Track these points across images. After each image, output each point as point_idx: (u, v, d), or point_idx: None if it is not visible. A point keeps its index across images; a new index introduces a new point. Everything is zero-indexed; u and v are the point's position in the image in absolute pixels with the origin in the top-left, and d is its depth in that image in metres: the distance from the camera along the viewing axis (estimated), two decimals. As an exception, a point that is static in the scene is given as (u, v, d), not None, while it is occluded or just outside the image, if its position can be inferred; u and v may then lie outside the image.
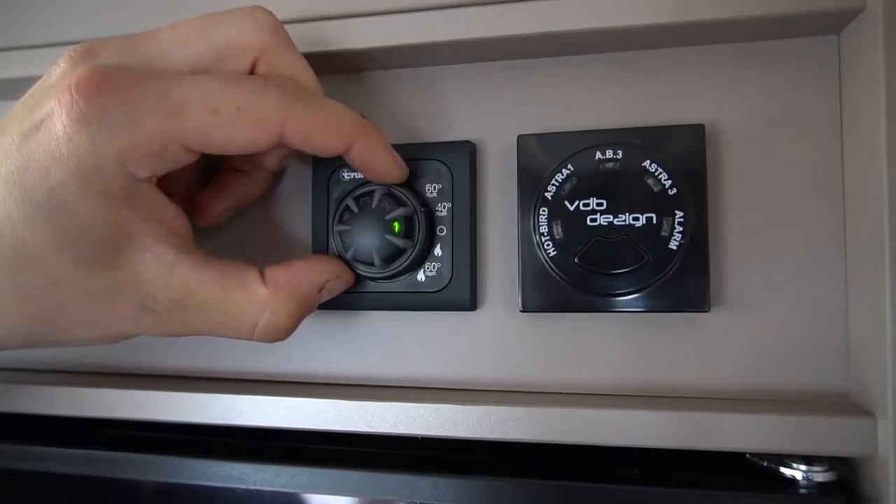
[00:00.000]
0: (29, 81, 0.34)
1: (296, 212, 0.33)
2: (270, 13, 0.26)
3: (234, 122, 0.24)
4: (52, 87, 0.23)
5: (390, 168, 0.28)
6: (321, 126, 0.26)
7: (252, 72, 0.26)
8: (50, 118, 0.23)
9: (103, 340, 0.26)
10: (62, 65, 0.24)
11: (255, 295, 0.26)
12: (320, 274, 0.28)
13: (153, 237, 0.25)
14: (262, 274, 0.27)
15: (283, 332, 0.27)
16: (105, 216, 0.23)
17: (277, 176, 0.33)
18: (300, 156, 0.32)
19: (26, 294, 0.24)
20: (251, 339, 0.27)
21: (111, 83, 0.22)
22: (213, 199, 0.31)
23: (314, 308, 0.29)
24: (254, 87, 0.25)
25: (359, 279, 0.31)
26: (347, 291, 0.31)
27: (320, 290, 0.28)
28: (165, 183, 0.26)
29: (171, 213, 0.26)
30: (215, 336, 0.27)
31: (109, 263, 0.24)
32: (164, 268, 0.25)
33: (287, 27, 0.27)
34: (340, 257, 0.30)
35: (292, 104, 0.25)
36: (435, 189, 0.31)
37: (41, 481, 0.34)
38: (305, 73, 0.27)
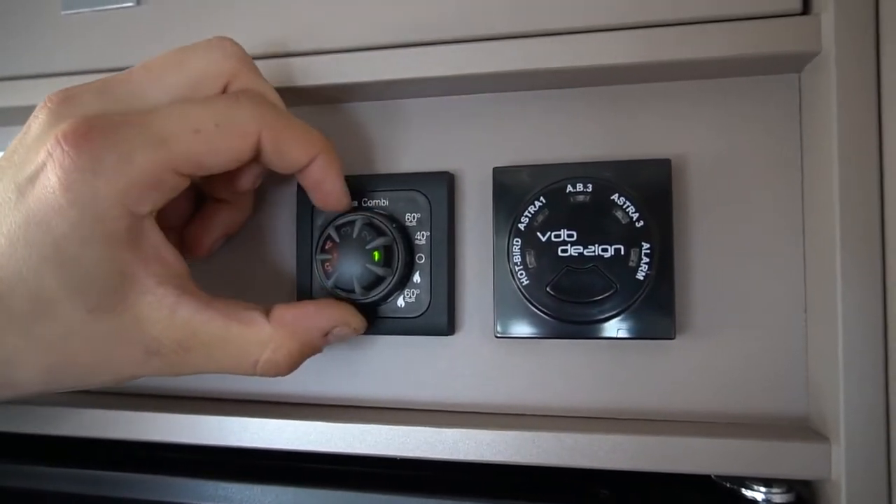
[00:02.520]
0: (16, 112, 0.35)
1: (281, 241, 0.34)
2: (235, 42, 0.28)
3: (216, 138, 0.25)
4: (37, 141, 0.24)
5: (338, 190, 0.29)
6: (291, 135, 0.27)
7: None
8: (43, 172, 0.23)
9: (114, 383, 0.27)
10: (41, 116, 0.25)
11: (258, 332, 0.27)
12: (328, 319, 0.29)
13: (154, 279, 0.25)
14: (267, 313, 0.28)
15: (282, 369, 0.28)
16: (109, 259, 0.24)
17: (262, 203, 0.34)
18: (285, 182, 0.33)
19: (42, 346, 0.24)
20: (253, 375, 0.27)
21: (97, 130, 0.23)
22: (203, 231, 0.32)
23: (317, 350, 0.29)
24: (228, 103, 0.26)
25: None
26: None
27: (326, 334, 0.29)
28: (160, 220, 0.27)
29: (170, 254, 0.26)
30: (219, 373, 0.27)
31: (114, 308, 0.25)
32: (166, 309, 0.25)
33: (262, 62, 0.29)
34: (322, 286, 0.31)
35: (265, 114, 0.26)
36: (414, 218, 0.32)
37: (33, 500, 0.35)
38: (271, 92, 0.29)
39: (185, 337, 0.26)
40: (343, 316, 0.29)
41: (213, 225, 0.32)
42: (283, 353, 0.27)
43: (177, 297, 0.26)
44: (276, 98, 0.29)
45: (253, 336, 0.27)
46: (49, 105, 0.25)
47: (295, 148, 0.27)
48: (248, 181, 0.31)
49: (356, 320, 0.30)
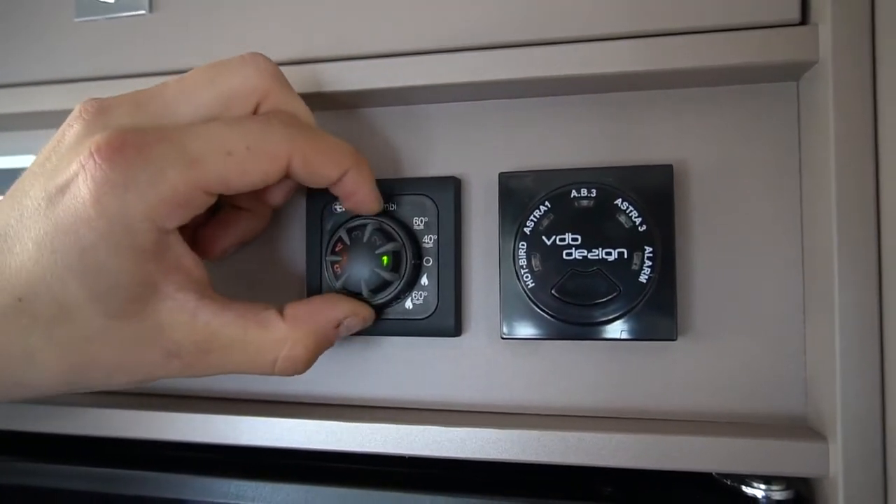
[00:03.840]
0: (31, 117, 0.36)
1: (292, 242, 0.35)
2: (269, 59, 0.28)
3: (247, 160, 0.26)
4: (71, 150, 0.25)
5: (371, 198, 0.30)
6: (322, 155, 0.28)
7: (255, 113, 0.28)
8: (74, 182, 0.24)
9: (133, 384, 0.28)
10: (76, 126, 0.25)
11: (274, 331, 0.28)
12: (339, 311, 0.30)
13: (175, 285, 0.26)
14: (281, 312, 0.28)
15: (300, 365, 0.28)
16: (134, 270, 0.25)
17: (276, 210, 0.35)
18: (298, 189, 0.34)
19: (63, 348, 0.25)
20: (272, 374, 0.28)
21: (131, 145, 0.24)
22: (218, 235, 0.32)
23: (331, 343, 0.30)
24: (260, 126, 0.26)
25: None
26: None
27: (338, 326, 0.30)
28: None
29: (191, 261, 0.27)
30: (238, 373, 0.28)
31: (136, 314, 0.25)
32: (187, 314, 0.26)
33: (284, 69, 0.29)
34: (331, 287, 0.32)
35: (296, 136, 0.27)
36: (422, 222, 0.32)
37: (44, 498, 0.35)
38: (303, 111, 0.29)
39: (204, 339, 0.26)
40: (352, 307, 0.30)
41: (230, 231, 0.32)
42: (299, 350, 0.28)
43: (196, 301, 0.26)
44: (307, 116, 0.29)
45: (270, 336, 0.27)
46: (84, 116, 0.25)
47: (326, 166, 0.28)
48: (279, 196, 0.32)
49: (365, 310, 0.31)
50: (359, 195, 0.30)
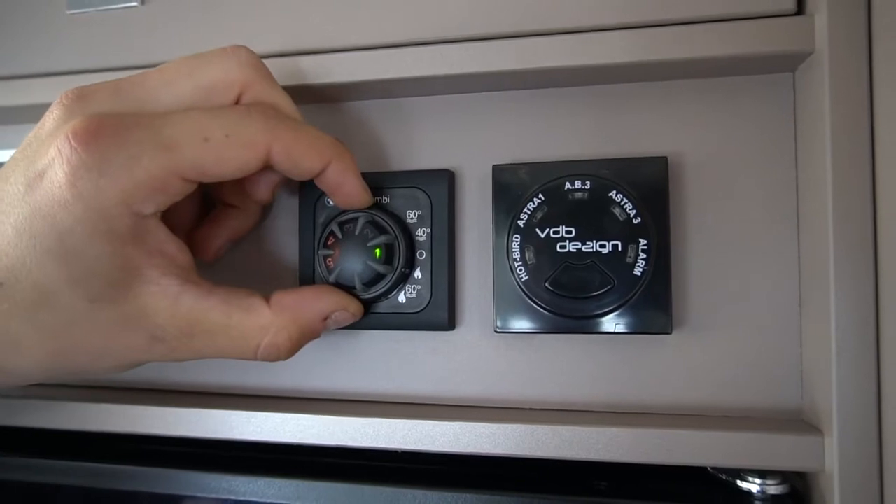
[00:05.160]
0: (22, 110, 0.36)
1: (284, 235, 0.35)
2: (251, 51, 0.28)
3: (224, 147, 0.25)
4: (50, 136, 0.25)
5: (358, 190, 0.30)
6: (303, 145, 0.27)
7: (237, 104, 0.28)
8: (51, 167, 0.24)
9: (118, 370, 0.28)
10: (55, 112, 0.25)
11: (258, 318, 0.28)
12: (327, 303, 0.29)
13: (158, 270, 0.26)
14: (268, 299, 0.28)
15: (283, 353, 0.28)
16: (112, 254, 0.25)
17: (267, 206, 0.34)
18: (289, 183, 0.34)
19: (46, 332, 0.25)
20: (255, 359, 0.28)
21: (106, 129, 0.24)
22: (210, 235, 0.32)
23: (317, 334, 0.30)
24: (239, 115, 0.26)
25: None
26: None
27: (325, 319, 0.29)
28: (167, 222, 0.27)
29: (173, 246, 0.27)
30: (222, 358, 0.28)
31: (119, 298, 0.25)
32: (170, 298, 0.26)
33: (270, 61, 0.29)
34: (323, 281, 0.31)
35: (276, 126, 0.27)
36: (415, 215, 0.32)
37: (35, 493, 0.35)
38: (286, 102, 0.29)
39: (188, 324, 0.26)
40: (341, 301, 0.30)
41: (221, 230, 0.32)
42: (283, 337, 0.28)
43: (180, 286, 0.26)
44: (290, 108, 0.29)
45: (254, 322, 0.27)
46: (64, 101, 0.25)
47: (307, 157, 0.28)
48: (264, 191, 0.31)
49: (354, 305, 0.31)
50: (345, 187, 0.29)
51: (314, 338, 0.30)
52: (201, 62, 0.27)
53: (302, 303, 0.29)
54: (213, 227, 0.32)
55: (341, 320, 0.30)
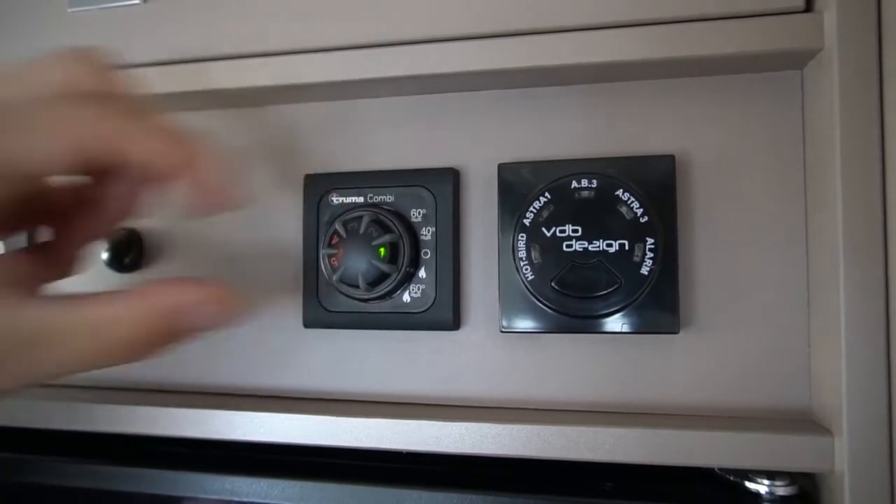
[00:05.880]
0: None
1: (288, 235, 0.34)
2: (89, 55, 0.26)
3: (23, 135, 0.23)
4: None
5: (216, 192, 0.26)
6: (131, 140, 0.24)
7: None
8: None
9: (10, 393, 0.24)
10: None
11: (107, 310, 0.24)
12: (187, 294, 0.25)
13: None
14: (119, 293, 0.24)
15: (138, 350, 0.24)
16: None
17: (270, 197, 0.34)
18: (293, 176, 0.34)
19: None
20: (117, 361, 0.24)
21: None
22: (62, 245, 0.28)
23: (177, 331, 0.25)
24: (46, 102, 0.23)
25: (346, 299, 0.32)
26: (335, 311, 0.32)
27: (186, 310, 0.25)
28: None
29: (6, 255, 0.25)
30: (88, 369, 0.24)
31: None
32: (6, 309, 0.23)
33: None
34: (328, 280, 0.31)
35: (96, 117, 0.24)
36: (420, 214, 0.32)
37: (35, 494, 0.35)
38: (124, 101, 0.25)
39: (28, 337, 0.23)
40: (209, 293, 0.25)
41: (72, 237, 0.28)
42: (121, 332, 0.24)
43: (15, 297, 0.24)
44: (130, 106, 0.25)
45: (101, 315, 0.24)
46: None
47: (140, 152, 0.24)
48: (115, 200, 0.27)
49: (225, 298, 0.25)
50: (204, 190, 0.25)
51: (177, 335, 0.25)
52: (26, 68, 0.25)
53: (159, 293, 0.25)
54: (61, 238, 0.28)
55: (208, 314, 0.25)
